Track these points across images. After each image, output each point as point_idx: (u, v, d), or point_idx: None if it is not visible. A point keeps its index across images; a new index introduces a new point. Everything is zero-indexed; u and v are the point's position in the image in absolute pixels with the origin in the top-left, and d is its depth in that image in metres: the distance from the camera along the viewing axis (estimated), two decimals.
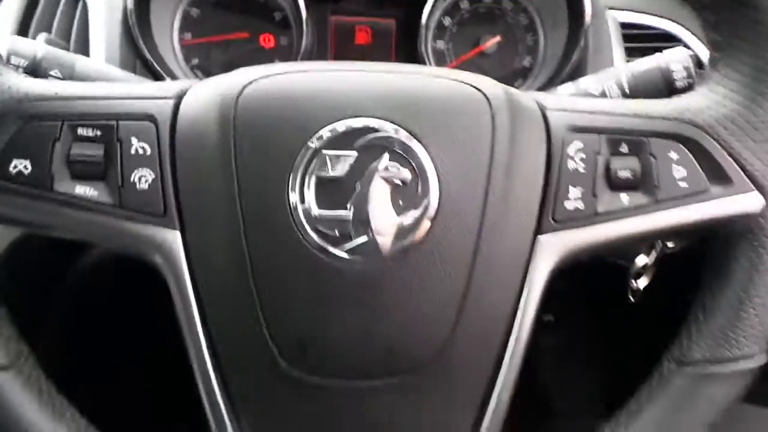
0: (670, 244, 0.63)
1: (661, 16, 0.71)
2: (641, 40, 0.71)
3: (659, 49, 0.50)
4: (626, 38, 0.69)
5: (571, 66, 0.66)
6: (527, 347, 0.38)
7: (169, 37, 0.67)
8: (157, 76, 0.62)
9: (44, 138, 0.35)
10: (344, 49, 0.71)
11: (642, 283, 0.54)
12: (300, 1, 0.65)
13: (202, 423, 0.39)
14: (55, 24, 0.61)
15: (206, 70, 0.69)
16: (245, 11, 0.68)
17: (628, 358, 0.45)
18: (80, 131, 0.35)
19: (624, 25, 0.70)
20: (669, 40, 0.72)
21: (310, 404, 0.37)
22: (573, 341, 1.06)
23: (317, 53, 0.70)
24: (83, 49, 0.60)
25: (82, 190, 0.35)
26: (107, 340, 0.79)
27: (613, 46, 0.67)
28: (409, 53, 0.70)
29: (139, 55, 0.61)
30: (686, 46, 0.72)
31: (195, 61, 0.68)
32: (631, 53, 0.70)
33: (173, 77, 0.64)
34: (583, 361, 1.04)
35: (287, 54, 0.69)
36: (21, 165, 0.35)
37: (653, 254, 0.53)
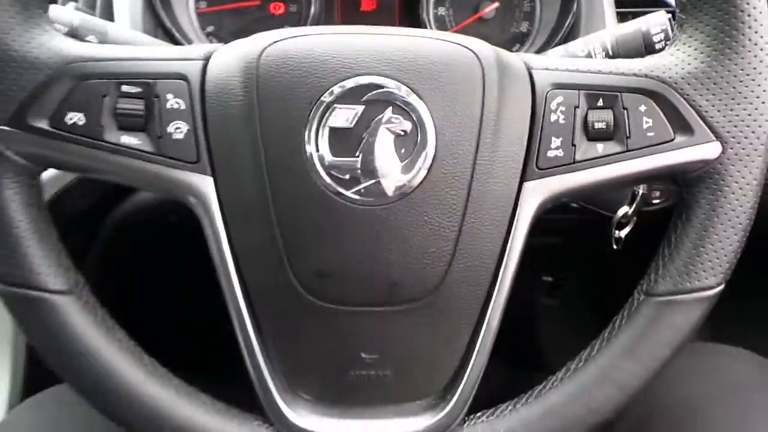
0: (655, 201, 0.68)
1: None
2: (633, 5, 0.74)
3: (649, 13, 0.53)
4: (618, 3, 0.71)
5: (564, 30, 0.69)
6: (514, 281, 0.43)
7: (185, 5, 0.70)
8: (176, 42, 0.66)
9: (94, 94, 0.39)
10: (350, 16, 0.74)
11: (624, 232, 0.59)
12: None
13: (233, 347, 0.43)
14: None
15: (219, 36, 0.72)
16: None
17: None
18: (124, 88, 0.39)
19: None
20: (659, 5, 0.75)
21: (324, 326, 0.42)
22: (571, 300, 1.11)
23: (324, 20, 0.73)
24: (107, 17, 0.64)
25: (127, 139, 0.40)
26: (144, 275, 0.85)
27: (605, 11, 0.70)
28: (412, 19, 0.73)
29: (160, 22, 0.65)
30: (674, 11, 0.75)
31: (210, 28, 0.72)
32: (624, 18, 0.72)
33: (190, 43, 0.68)
34: (579, 317, 1.08)
35: (296, 21, 0.72)
36: (75, 117, 0.39)
37: (634, 205, 0.58)
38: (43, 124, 0.39)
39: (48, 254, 0.40)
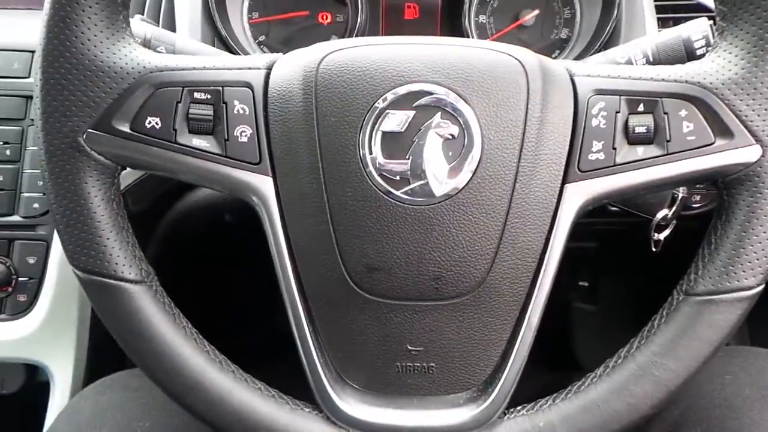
0: (695, 205, 0.68)
1: None
2: (674, 11, 0.74)
3: (691, 20, 0.54)
4: (659, 9, 0.72)
5: (604, 37, 0.70)
6: (554, 280, 0.44)
7: (239, 16, 0.74)
8: (231, 51, 0.70)
9: (169, 100, 0.43)
10: (394, 25, 0.76)
11: (663, 235, 0.59)
12: None
13: (281, 340, 0.46)
14: (146, 7, 0.70)
15: (270, 45, 0.76)
16: None
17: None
18: (196, 95, 0.43)
19: None
20: (701, 10, 0.75)
21: (372, 319, 0.44)
22: (609, 304, 1.11)
23: (370, 28, 0.76)
24: (170, 28, 0.69)
25: (198, 142, 0.43)
26: (199, 270, 0.89)
27: (645, 17, 0.71)
28: (454, 27, 0.75)
29: (217, 32, 0.69)
30: (715, 17, 0.75)
31: (262, 38, 0.76)
32: (664, 24, 0.72)
33: (244, 52, 0.72)
34: (617, 320, 1.08)
35: (342, 30, 0.75)
36: (154, 121, 0.43)
37: (674, 208, 0.59)
38: (125, 128, 0.43)
39: (124, 246, 0.44)
